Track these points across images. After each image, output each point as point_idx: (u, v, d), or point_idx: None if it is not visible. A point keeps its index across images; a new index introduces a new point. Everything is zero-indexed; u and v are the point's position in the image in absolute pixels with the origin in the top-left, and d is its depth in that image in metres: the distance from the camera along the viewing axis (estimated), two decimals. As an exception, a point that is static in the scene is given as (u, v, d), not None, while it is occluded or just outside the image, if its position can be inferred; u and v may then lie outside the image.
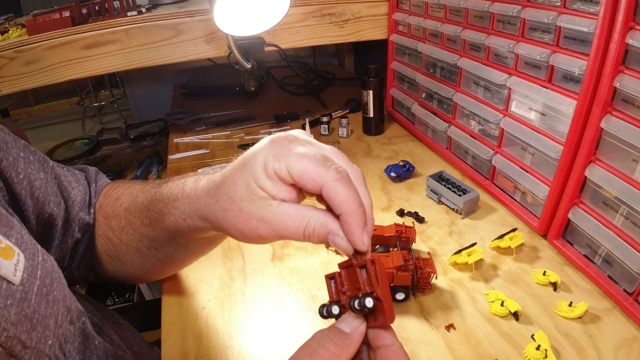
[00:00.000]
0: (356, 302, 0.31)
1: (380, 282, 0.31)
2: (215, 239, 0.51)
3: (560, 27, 0.58)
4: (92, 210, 0.53)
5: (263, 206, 0.34)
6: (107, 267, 0.54)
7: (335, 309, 0.34)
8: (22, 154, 0.45)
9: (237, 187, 0.35)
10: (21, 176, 0.43)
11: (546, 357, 0.46)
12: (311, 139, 0.36)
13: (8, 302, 0.32)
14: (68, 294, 0.41)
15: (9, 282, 0.33)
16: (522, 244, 0.64)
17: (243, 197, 0.34)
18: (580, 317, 0.52)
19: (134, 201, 0.49)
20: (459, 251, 0.62)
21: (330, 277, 0.36)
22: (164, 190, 0.45)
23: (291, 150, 0.33)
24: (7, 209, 0.40)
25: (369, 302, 0.30)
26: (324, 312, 0.34)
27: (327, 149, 0.35)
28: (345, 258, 0.35)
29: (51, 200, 0.47)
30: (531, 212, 0.69)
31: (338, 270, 0.35)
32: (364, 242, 0.32)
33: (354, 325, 0.31)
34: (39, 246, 0.40)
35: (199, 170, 0.43)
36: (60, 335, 0.38)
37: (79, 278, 0.54)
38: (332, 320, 0.33)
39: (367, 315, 0.32)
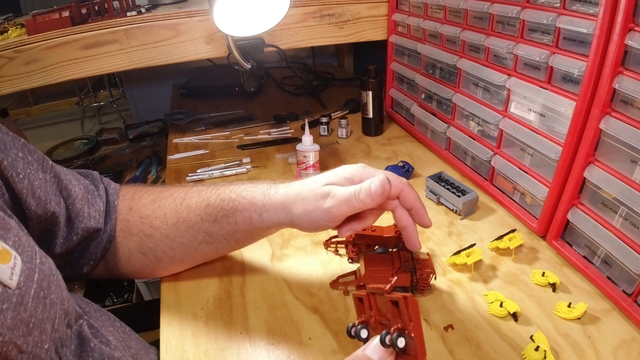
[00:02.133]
0: (387, 338, 0.31)
1: (413, 321, 0.30)
2: (264, 233, 0.59)
3: (559, 28, 0.58)
4: (111, 214, 0.55)
5: (326, 209, 0.48)
6: (135, 263, 0.56)
7: (364, 333, 0.34)
8: (20, 154, 0.45)
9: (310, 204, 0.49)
10: (21, 175, 0.44)
11: (545, 358, 0.46)
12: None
13: (4, 306, 0.32)
14: (66, 297, 0.41)
15: (5, 285, 0.33)
16: (521, 245, 0.64)
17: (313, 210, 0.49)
18: (579, 318, 0.52)
19: (184, 201, 0.55)
20: (458, 252, 0.62)
21: (358, 298, 0.37)
22: (232, 191, 0.54)
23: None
24: (6, 210, 0.40)
25: (401, 343, 0.30)
26: (352, 332, 0.35)
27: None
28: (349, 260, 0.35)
29: (52, 199, 0.47)
30: (530, 213, 0.69)
31: (351, 277, 0.36)
32: (428, 223, 0.52)
33: (382, 355, 0.32)
34: (37, 248, 0.40)
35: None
36: (57, 339, 0.38)
37: (87, 273, 0.55)
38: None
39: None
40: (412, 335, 0.30)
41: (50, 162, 0.50)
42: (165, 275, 0.62)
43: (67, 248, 0.50)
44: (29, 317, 0.34)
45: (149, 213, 0.55)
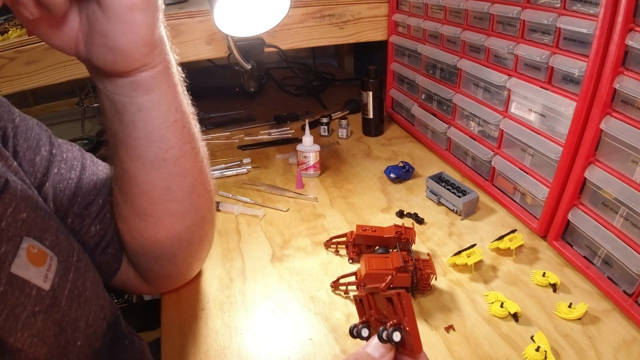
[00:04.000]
0: (384, 334, 0.32)
1: (407, 315, 0.32)
2: (135, 110, 0.40)
3: (560, 28, 0.58)
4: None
5: None
6: (121, 208, 0.48)
7: (365, 332, 0.36)
8: (54, 151, 0.45)
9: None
10: (55, 171, 0.43)
11: (545, 358, 0.46)
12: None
13: (36, 309, 0.33)
14: (102, 292, 0.41)
15: (39, 288, 0.33)
16: (521, 245, 0.64)
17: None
18: (579, 319, 0.52)
19: None
20: (459, 252, 0.61)
21: (358, 299, 0.38)
22: None
23: None
24: (49, 203, 0.40)
25: (397, 337, 0.32)
26: (354, 332, 0.36)
27: None
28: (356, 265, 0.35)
29: (80, 194, 0.46)
30: (531, 214, 0.69)
31: (351, 277, 0.36)
32: None
33: (382, 352, 0.32)
34: (76, 244, 0.40)
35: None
36: (91, 334, 0.38)
37: (113, 254, 0.50)
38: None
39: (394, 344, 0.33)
40: (407, 329, 0.31)
41: (81, 155, 0.49)
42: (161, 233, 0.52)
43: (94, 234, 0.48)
44: (62, 316, 0.35)
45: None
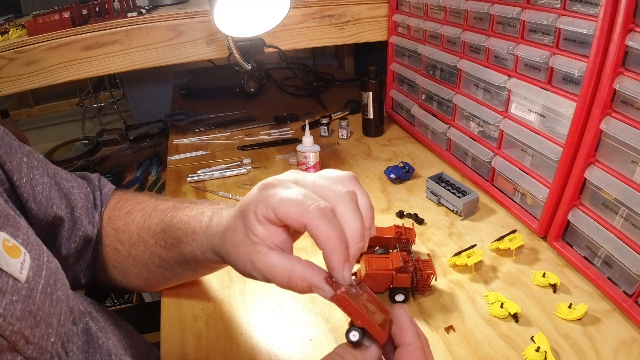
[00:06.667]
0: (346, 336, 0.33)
1: (352, 313, 0.32)
2: (223, 265, 0.54)
3: (560, 28, 0.58)
4: (97, 220, 0.54)
5: (254, 252, 0.36)
6: (109, 275, 0.55)
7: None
8: (25, 159, 0.46)
9: (237, 233, 0.38)
10: (24, 180, 0.44)
11: (546, 359, 0.46)
12: (300, 174, 0.38)
13: (14, 297, 0.33)
14: (71, 295, 0.42)
15: (15, 279, 0.34)
16: (521, 246, 0.64)
17: (240, 242, 0.38)
18: (579, 319, 0.52)
19: (148, 219, 0.51)
20: (459, 253, 0.61)
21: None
22: (181, 218, 0.47)
23: (275, 195, 0.35)
24: (15, 210, 0.41)
25: (354, 336, 0.32)
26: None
27: (316, 179, 0.37)
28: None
29: (55, 203, 0.48)
30: (531, 214, 0.69)
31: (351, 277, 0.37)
32: (344, 277, 0.34)
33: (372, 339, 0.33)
34: (45, 247, 0.41)
35: (215, 203, 0.49)
36: (63, 334, 0.39)
37: (86, 284, 0.55)
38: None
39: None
40: (360, 325, 0.31)
41: (53, 169, 0.50)
42: (150, 292, 0.63)
43: (67, 254, 0.51)
44: (37, 310, 0.35)
45: (120, 226, 0.53)
